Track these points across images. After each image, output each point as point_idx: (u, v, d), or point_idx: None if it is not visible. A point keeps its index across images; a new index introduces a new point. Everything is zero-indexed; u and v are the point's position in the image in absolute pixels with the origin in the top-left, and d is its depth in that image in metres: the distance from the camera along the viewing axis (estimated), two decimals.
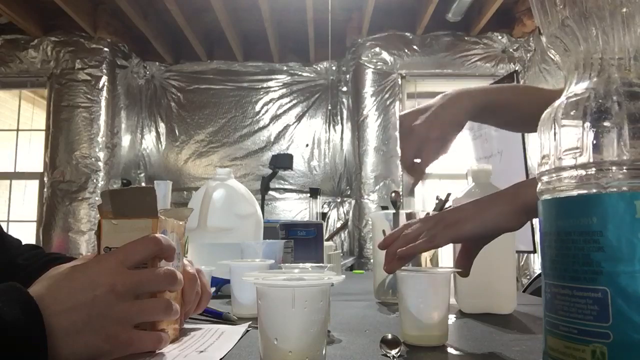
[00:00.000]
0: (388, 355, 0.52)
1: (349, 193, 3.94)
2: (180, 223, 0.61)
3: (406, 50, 3.81)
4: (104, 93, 3.75)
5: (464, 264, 0.66)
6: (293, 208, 3.96)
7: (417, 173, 0.77)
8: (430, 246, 0.64)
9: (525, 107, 0.81)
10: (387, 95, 3.78)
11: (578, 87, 0.35)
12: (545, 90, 0.90)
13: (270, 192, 3.74)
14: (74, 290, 0.46)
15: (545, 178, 0.37)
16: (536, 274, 2.91)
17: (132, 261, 0.49)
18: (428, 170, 0.81)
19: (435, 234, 0.64)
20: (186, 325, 0.68)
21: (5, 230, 0.78)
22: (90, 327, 0.45)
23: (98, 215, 0.53)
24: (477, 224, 0.63)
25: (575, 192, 0.34)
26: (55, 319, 0.43)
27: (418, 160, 0.81)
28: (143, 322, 0.49)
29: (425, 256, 0.97)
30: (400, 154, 0.79)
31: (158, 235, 0.51)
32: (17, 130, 4.02)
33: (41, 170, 3.79)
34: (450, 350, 0.57)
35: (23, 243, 0.80)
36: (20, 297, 0.43)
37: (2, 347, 0.39)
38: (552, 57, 0.39)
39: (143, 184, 4.03)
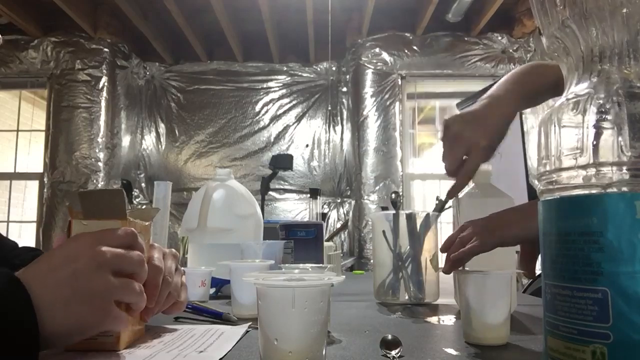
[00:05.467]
0: (388, 355, 0.52)
1: (349, 193, 3.94)
2: (146, 224, 0.61)
3: (406, 51, 3.81)
4: (104, 93, 3.75)
5: (527, 266, 0.70)
6: (293, 208, 3.96)
7: (462, 177, 0.79)
8: (479, 250, 0.68)
9: (546, 79, 0.85)
10: (387, 96, 3.78)
11: (578, 88, 0.35)
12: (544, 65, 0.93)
13: (270, 193, 3.74)
14: (54, 267, 0.46)
15: (545, 178, 0.37)
16: (536, 275, 2.90)
17: (107, 243, 0.49)
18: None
19: (483, 238, 0.68)
20: (186, 326, 0.68)
21: (5, 230, 0.79)
22: (76, 299, 0.45)
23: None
24: (519, 228, 0.66)
25: (575, 193, 0.34)
26: (39, 298, 0.43)
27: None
28: (119, 304, 0.50)
29: (425, 257, 0.97)
30: (444, 158, 0.81)
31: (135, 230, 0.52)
32: (17, 130, 4.02)
33: (41, 170, 3.79)
34: (449, 350, 0.57)
35: (20, 245, 0.80)
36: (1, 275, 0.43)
37: None
38: (552, 57, 0.39)
39: (143, 185, 4.03)
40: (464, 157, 0.80)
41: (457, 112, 0.85)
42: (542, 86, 0.85)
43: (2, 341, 0.40)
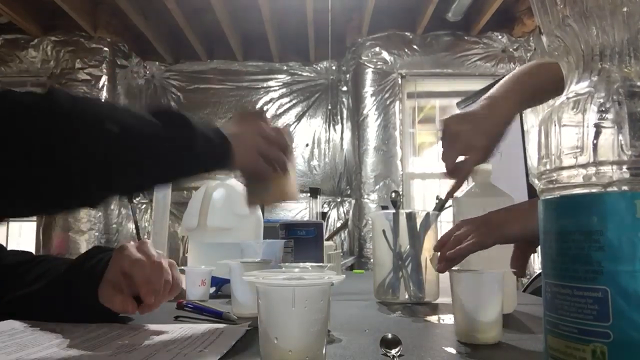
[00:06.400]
0: (388, 354, 0.52)
1: (349, 193, 3.94)
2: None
3: (406, 50, 3.81)
4: (104, 93, 3.75)
5: (518, 264, 0.69)
6: (293, 207, 3.96)
7: (459, 177, 0.80)
8: (477, 248, 0.68)
9: (547, 79, 0.84)
10: (387, 95, 3.77)
11: (578, 87, 0.35)
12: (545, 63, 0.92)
13: None
14: (236, 134, 0.68)
15: (545, 177, 0.37)
16: (536, 274, 2.91)
17: (263, 133, 0.72)
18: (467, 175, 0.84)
19: (482, 236, 0.67)
20: (186, 325, 0.68)
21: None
22: (245, 158, 0.69)
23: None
24: (520, 226, 0.66)
25: (575, 192, 0.34)
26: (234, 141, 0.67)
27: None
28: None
29: (425, 256, 0.97)
30: (443, 157, 0.82)
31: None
32: None
33: None
34: (449, 349, 0.57)
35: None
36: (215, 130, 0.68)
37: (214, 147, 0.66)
38: (553, 56, 0.39)
39: None
40: (462, 157, 0.81)
41: (458, 111, 0.86)
42: (543, 86, 0.85)
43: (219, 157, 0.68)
